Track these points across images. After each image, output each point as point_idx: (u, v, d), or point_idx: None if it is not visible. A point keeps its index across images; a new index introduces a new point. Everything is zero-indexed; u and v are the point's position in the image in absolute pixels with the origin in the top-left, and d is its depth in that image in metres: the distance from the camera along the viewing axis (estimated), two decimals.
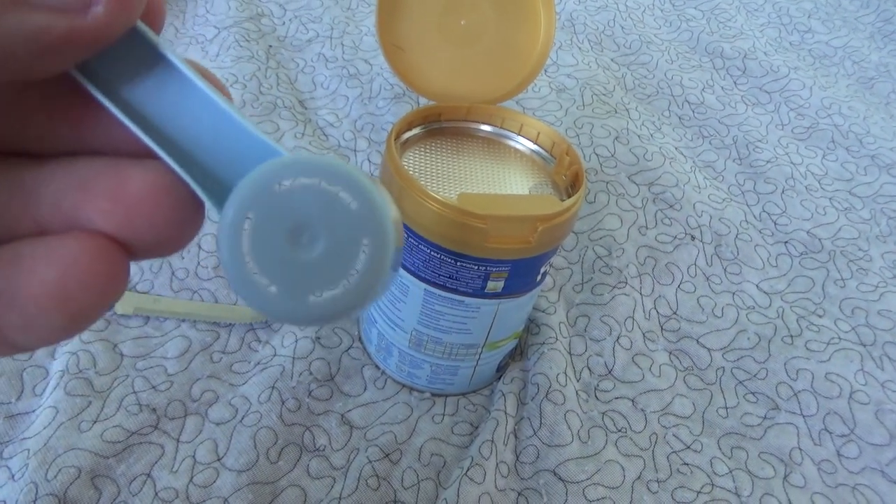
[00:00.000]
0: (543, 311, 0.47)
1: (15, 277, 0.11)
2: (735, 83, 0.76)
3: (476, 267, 0.33)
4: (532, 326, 0.46)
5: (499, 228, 0.31)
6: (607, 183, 0.59)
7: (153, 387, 0.40)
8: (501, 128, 0.39)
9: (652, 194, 0.58)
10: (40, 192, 0.10)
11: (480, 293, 0.35)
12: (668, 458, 0.41)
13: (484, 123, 0.39)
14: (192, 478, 0.35)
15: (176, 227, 0.11)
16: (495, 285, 0.34)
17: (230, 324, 0.43)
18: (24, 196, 0.11)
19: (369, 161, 0.55)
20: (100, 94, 0.11)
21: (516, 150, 0.38)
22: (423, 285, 0.35)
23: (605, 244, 0.53)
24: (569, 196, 0.36)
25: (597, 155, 0.62)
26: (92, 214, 0.11)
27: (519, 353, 0.45)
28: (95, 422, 0.37)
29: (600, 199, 0.57)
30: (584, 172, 0.35)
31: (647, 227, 0.56)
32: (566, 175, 0.37)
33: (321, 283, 0.12)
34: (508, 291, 0.35)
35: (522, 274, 0.35)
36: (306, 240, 0.12)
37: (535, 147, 0.39)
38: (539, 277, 0.36)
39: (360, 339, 0.44)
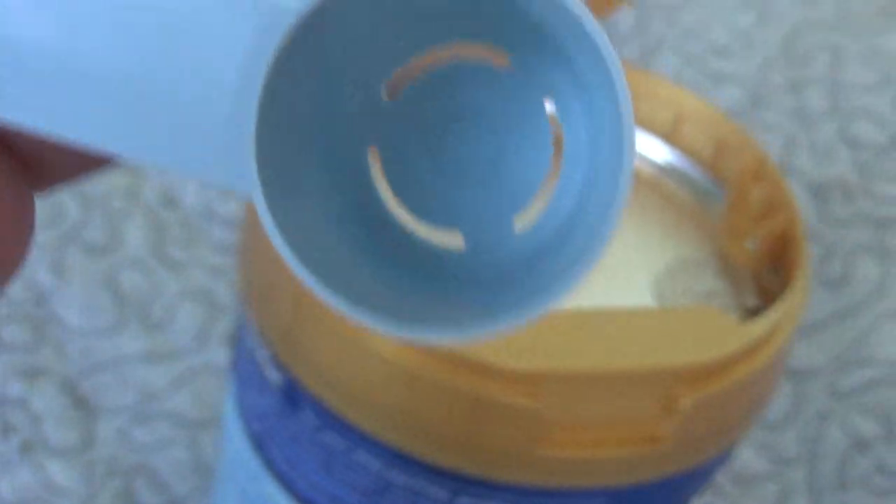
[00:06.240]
0: None
1: None
2: None
3: None
4: None
5: (571, 408, 0.27)
6: (881, 227, 0.49)
7: None
8: None
9: None
10: None
11: None
12: None
13: None
14: None
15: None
16: None
17: None
18: None
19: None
20: None
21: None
22: None
23: (886, 411, 0.46)
24: (767, 300, 0.30)
25: (850, 146, 0.51)
26: None
27: None
28: None
29: (860, 278, 0.46)
30: (802, 228, 0.29)
31: None
32: (758, 238, 0.31)
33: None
34: None
35: None
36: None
37: (670, 157, 0.33)
38: None
39: None
